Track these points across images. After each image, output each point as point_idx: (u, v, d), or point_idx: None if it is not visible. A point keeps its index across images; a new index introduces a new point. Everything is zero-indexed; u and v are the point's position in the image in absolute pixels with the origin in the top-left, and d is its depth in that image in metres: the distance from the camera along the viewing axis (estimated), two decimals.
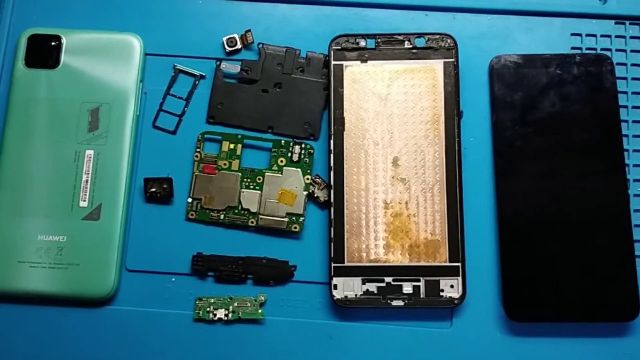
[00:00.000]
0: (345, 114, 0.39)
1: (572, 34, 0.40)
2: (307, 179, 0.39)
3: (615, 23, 0.41)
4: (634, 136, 0.39)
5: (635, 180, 0.39)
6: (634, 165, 0.39)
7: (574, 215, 0.37)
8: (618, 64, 0.40)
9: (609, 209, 0.37)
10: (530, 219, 0.37)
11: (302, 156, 0.39)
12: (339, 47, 0.39)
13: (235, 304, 0.37)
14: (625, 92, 0.40)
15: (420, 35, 0.39)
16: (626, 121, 0.39)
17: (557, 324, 0.37)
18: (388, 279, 0.37)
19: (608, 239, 0.37)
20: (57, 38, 0.40)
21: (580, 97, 0.39)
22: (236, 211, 0.38)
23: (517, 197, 0.38)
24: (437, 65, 0.39)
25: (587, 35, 0.40)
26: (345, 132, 0.39)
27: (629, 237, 0.37)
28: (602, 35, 0.40)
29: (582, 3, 0.41)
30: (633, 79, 0.40)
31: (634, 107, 0.40)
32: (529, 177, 0.38)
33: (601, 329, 0.37)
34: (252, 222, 0.38)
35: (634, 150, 0.39)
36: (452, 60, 0.39)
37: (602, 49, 0.40)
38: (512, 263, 0.37)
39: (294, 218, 0.38)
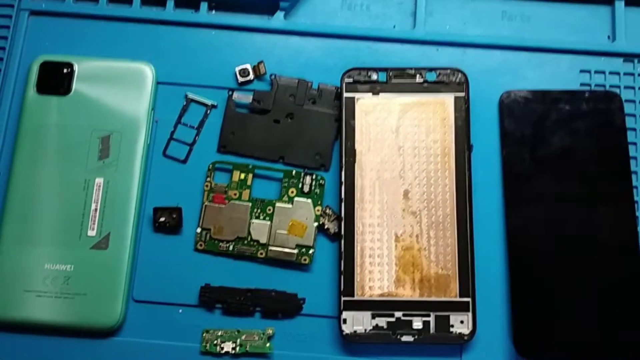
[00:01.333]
0: (356, 146, 0.39)
1: (581, 71, 0.41)
2: (318, 210, 0.39)
3: (624, 61, 0.41)
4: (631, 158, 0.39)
5: None
6: None
7: (585, 250, 0.37)
8: (627, 101, 0.40)
9: (619, 244, 0.37)
10: (540, 253, 0.37)
11: (313, 187, 0.39)
12: (351, 80, 0.40)
13: (243, 337, 0.37)
14: (634, 129, 0.40)
15: (431, 69, 0.40)
16: (635, 158, 0.40)
17: None
18: (398, 314, 0.37)
19: (621, 273, 0.37)
20: (69, 65, 0.40)
21: (589, 134, 0.39)
22: (245, 242, 0.38)
23: (527, 231, 0.38)
24: (447, 99, 0.39)
25: (596, 72, 0.41)
26: (356, 164, 0.39)
27: None
28: (610, 72, 0.41)
29: (590, 40, 0.41)
30: None
31: None
32: (539, 211, 0.38)
33: None
34: (261, 254, 0.38)
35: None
36: (463, 94, 0.39)
37: (610, 86, 0.40)
38: (523, 297, 0.37)
39: (303, 250, 0.38)
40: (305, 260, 0.38)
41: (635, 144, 0.40)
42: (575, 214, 0.38)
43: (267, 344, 0.37)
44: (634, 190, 0.39)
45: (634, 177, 0.39)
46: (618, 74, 0.41)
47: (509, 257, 0.38)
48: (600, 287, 0.37)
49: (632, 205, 0.38)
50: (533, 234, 0.38)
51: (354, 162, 0.39)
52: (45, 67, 0.40)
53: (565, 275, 0.37)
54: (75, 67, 0.40)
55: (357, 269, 0.37)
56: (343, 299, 0.37)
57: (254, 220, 0.38)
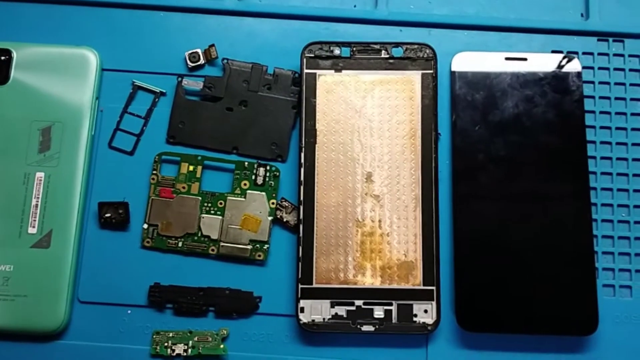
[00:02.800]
0: (317, 126, 0.37)
1: (553, 51, 0.38)
2: (273, 203, 0.36)
3: (598, 40, 0.39)
4: (602, 142, 0.38)
5: (601, 189, 0.37)
6: (601, 174, 0.37)
7: (534, 224, 0.36)
8: (600, 82, 0.38)
9: (570, 220, 0.36)
10: (487, 227, 0.36)
11: (267, 179, 0.37)
12: (312, 55, 0.37)
13: (196, 339, 0.35)
14: (609, 113, 0.38)
15: (397, 44, 0.37)
16: (611, 128, 0.38)
17: (512, 337, 0.35)
18: (358, 302, 0.35)
19: (568, 250, 0.35)
20: (7, 52, 0.37)
21: (543, 98, 0.37)
22: (195, 238, 0.36)
23: (475, 201, 0.36)
24: (414, 77, 0.37)
25: (569, 52, 0.38)
26: (317, 145, 0.36)
27: (589, 249, 0.35)
28: (584, 53, 0.39)
29: (563, 19, 0.39)
30: (616, 98, 0.38)
31: (617, 128, 0.38)
32: (487, 181, 0.36)
33: (560, 343, 0.35)
34: (212, 250, 0.36)
35: (601, 158, 0.38)
36: (431, 71, 0.37)
37: (584, 67, 0.38)
38: (466, 272, 0.35)
39: (258, 245, 0.36)
40: (259, 256, 0.36)
41: (609, 128, 0.38)
42: (525, 185, 0.36)
43: (222, 345, 0.35)
44: (589, 161, 0.37)
45: (590, 147, 0.37)
46: (592, 54, 0.39)
47: (454, 230, 0.36)
48: (547, 264, 0.35)
49: (586, 177, 0.36)
50: (480, 205, 0.36)
51: (315, 143, 0.36)
52: None
53: (511, 249, 0.35)
54: (14, 54, 0.37)
55: (316, 255, 0.35)
56: (301, 286, 0.35)
57: (205, 215, 0.36)
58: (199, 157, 0.37)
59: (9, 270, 0.35)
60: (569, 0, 0.39)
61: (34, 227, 0.35)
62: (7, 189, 0.36)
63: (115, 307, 0.36)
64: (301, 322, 0.35)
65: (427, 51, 0.37)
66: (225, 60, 0.38)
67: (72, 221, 0.36)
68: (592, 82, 0.38)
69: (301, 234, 0.36)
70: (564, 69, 0.37)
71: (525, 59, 0.38)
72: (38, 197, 0.36)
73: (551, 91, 0.37)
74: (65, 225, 0.35)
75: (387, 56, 0.37)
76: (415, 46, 0.37)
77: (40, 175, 0.36)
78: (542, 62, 0.38)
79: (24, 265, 0.35)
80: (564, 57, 0.37)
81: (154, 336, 0.35)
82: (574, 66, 0.37)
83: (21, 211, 0.35)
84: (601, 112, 0.38)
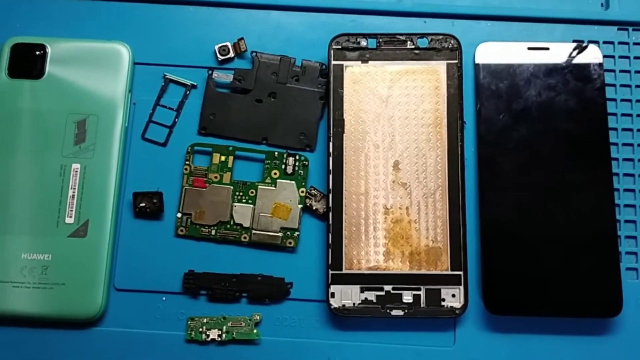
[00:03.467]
0: (345, 116, 0.37)
1: (574, 41, 0.39)
2: (302, 191, 0.37)
3: (618, 29, 0.40)
4: (623, 129, 0.38)
5: (623, 174, 0.38)
6: (623, 160, 0.38)
7: (558, 209, 0.36)
8: (621, 71, 0.39)
9: (593, 205, 0.36)
10: (512, 213, 0.36)
11: (297, 168, 0.38)
12: (339, 47, 0.38)
13: (229, 324, 0.36)
14: (630, 100, 0.39)
15: (423, 35, 0.38)
16: (630, 115, 0.39)
17: (538, 320, 0.36)
18: (387, 288, 0.36)
19: (592, 234, 0.36)
20: (42, 47, 0.38)
21: (566, 87, 0.38)
22: (228, 226, 0.37)
23: (499, 187, 0.37)
24: (440, 67, 0.38)
25: (590, 41, 0.39)
26: (344, 135, 0.37)
27: (613, 234, 0.36)
28: (604, 42, 0.39)
29: (584, 9, 0.40)
30: (637, 86, 0.39)
31: (638, 115, 0.39)
32: (511, 167, 0.37)
33: (584, 326, 0.36)
34: (244, 238, 0.37)
35: (623, 144, 0.38)
36: (456, 61, 0.38)
37: (604, 56, 0.39)
38: (493, 256, 0.36)
39: (288, 233, 0.37)
40: (290, 243, 0.37)
41: (630, 115, 0.39)
42: (549, 172, 0.37)
43: (255, 330, 0.36)
44: (611, 147, 0.37)
45: (612, 133, 0.38)
46: (612, 43, 0.39)
47: (480, 215, 0.37)
48: (571, 248, 0.36)
49: (609, 163, 0.37)
50: (506, 191, 0.37)
51: (342, 132, 0.37)
52: (17, 49, 0.38)
53: (537, 234, 0.36)
54: (48, 49, 0.38)
55: (346, 242, 0.36)
56: (331, 272, 0.36)
57: (236, 204, 0.37)
58: (230, 148, 0.38)
59: (48, 260, 0.36)
60: None
61: (70, 217, 0.36)
62: (44, 180, 0.37)
63: (150, 294, 0.36)
64: (332, 307, 0.36)
65: (452, 42, 0.38)
66: (254, 53, 0.39)
67: (108, 211, 0.36)
68: (613, 71, 0.39)
69: (330, 222, 0.36)
70: (586, 59, 0.38)
71: (547, 49, 0.38)
72: (74, 188, 0.37)
73: (573, 80, 0.38)
74: (101, 215, 0.36)
75: (413, 47, 0.38)
76: (440, 37, 0.38)
77: (76, 166, 0.37)
78: (564, 52, 0.38)
79: (61, 255, 0.36)
80: (576, 47, 0.38)
81: (189, 322, 0.36)
82: (595, 55, 0.38)
83: (58, 202, 0.36)
84: (622, 100, 0.39)
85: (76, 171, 0.37)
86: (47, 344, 0.36)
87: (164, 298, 0.36)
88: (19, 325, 0.36)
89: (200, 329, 0.36)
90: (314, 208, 0.37)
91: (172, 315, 0.36)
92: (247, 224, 0.37)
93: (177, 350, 0.36)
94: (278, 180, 0.37)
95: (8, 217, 0.36)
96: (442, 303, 0.36)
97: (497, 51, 0.38)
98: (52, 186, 0.37)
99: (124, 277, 0.37)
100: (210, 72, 0.39)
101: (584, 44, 0.39)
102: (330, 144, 0.37)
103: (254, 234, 0.37)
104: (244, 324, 0.36)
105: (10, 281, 0.35)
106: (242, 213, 0.37)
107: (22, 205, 0.36)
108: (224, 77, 0.39)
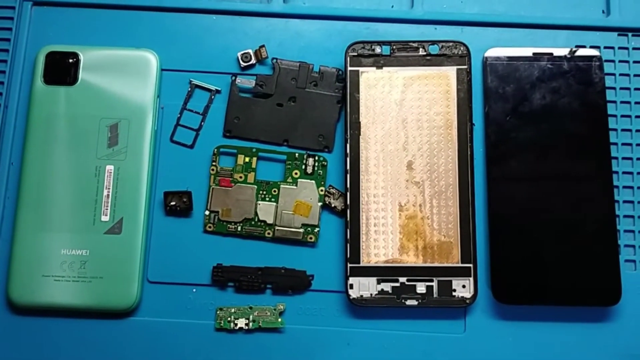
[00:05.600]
0: (361, 118, 0.40)
1: (577, 46, 0.41)
2: (321, 190, 0.40)
3: (618, 35, 0.42)
4: (622, 130, 0.41)
5: (622, 172, 0.40)
6: (622, 159, 0.40)
7: (561, 205, 0.39)
8: (621, 74, 0.41)
9: (594, 201, 0.39)
10: (518, 208, 0.39)
11: (316, 168, 0.40)
12: (355, 54, 0.40)
13: (255, 313, 0.39)
14: (629, 102, 0.41)
15: (434, 42, 0.40)
16: (629, 116, 0.41)
17: (543, 308, 0.39)
18: (402, 279, 0.39)
19: (593, 228, 0.39)
20: (75, 55, 0.40)
21: (570, 91, 0.40)
22: (253, 223, 0.40)
23: (506, 184, 0.39)
24: (450, 72, 0.40)
25: (591, 47, 0.41)
26: (361, 137, 0.40)
27: (613, 228, 0.39)
28: (605, 47, 0.42)
29: (586, 16, 0.42)
30: (636, 89, 0.41)
31: (637, 116, 0.41)
32: (518, 165, 0.39)
33: (586, 313, 0.39)
34: (268, 234, 0.39)
35: (622, 144, 0.41)
36: (465, 67, 0.40)
37: (605, 60, 0.41)
38: (500, 250, 0.39)
39: (309, 229, 0.39)
40: (311, 238, 0.39)
41: (629, 116, 0.41)
42: (553, 168, 0.39)
43: (279, 319, 0.39)
44: (611, 147, 0.40)
45: (612, 134, 0.40)
46: (612, 48, 0.42)
47: (488, 209, 0.39)
48: (572, 239, 0.38)
49: (609, 160, 0.39)
50: (511, 187, 0.39)
51: (359, 134, 0.40)
52: (51, 57, 0.40)
53: (540, 227, 0.39)
54: (81, 57, 0.40)
55: (363, 237, 0.39)
56: (349, 265, 0.38)
57: (260, 202, 0.40)
58: (254, 149, 0.40)
59: (86, 255, 0.38)
60: None
61: (106, 215, 0.39)
62: (81, 181, 0.39)
63: (181, 286, 0.39)
64: (350, 297, 0.38)
65: (462, 48, 0.40)
66: (275, 60, 0.41)
67: (141, 209, 0.39)
68: (613, 74, 0.41)
69: (348, 218, 0.39)
70: (588, 63, 0.40)
71: (551, 54, 0.41)
72: (109, 188, 0.39)
73: (575, 83, 0.40)
74: (135, 213, 0.39)
75: (425, 53, 0.40)
76: (451, 44, 0.40)
77: (110, 168, 0.39)
78: (567, 57, 0.41)
79: (98, 250, 0.38)
80: (578, 52, 0.40)
81: (218, 312, 0.39)
82: (596, 60, 0.40)
83: (94, 201, 0.39)
84: (622, 102, 0.41)
85: (110, 172, 0.39)
86: (86, 333, 0.38)
87: (194, 290, 0.39)
88: (60, 316, 0.38)
89: (229, 318, 0.39)
90: (333, 205, 0.40)
91: (202, 305, 0.39)
92: (270, 221, 0.39)
93: (207, 338, 0.38)
94: (299, 180, 0.40)
95: (48, 215, 0.39)
96: (453, 293, 0.38)
97: (503, 56, 0.41)
98: (88, 186, 0.39)
99: (156, 270, 0.39)
100: (233, 77, 0.41)
101: (586, 49, 0.41)
102: (348, 145, 0.39)
103: (277, 230, 0.39)
104: (269, 313, 0.39)
105: (51, 275, 0.38)
106: (265, 210, 0.40)
107: (61, 205, 0.39)
108: (247, 82, 0.41)
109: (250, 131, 0.41)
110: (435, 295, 0.38)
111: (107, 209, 0.39)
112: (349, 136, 0.40)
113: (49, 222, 0.39)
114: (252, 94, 0.41)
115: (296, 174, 0.40)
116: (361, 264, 0.39)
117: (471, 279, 0.39)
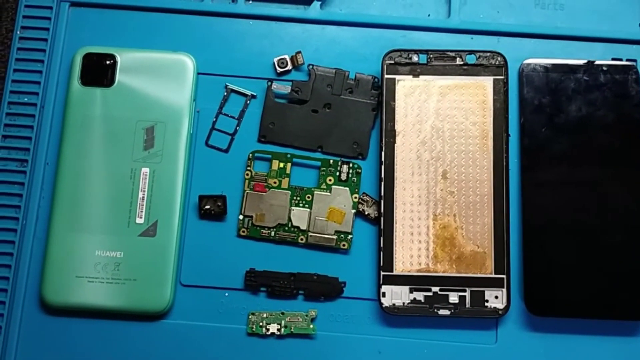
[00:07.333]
0: (396, 127, 0.40)
1: (613, 59, 0.41)
2: (355, 197, 0.40)
3: None
4: None
5: None
6: None
7: (596, 216, 0.39)
8: None
9: (629, 213, 0.39)
10: (553, 220, 0.39)
11: (350, 175, 0.40)
12: (392, 62, 0.40)
13: (287, 319, 0.39)
14: None
15: (471, 52, 0.40)
16: None
17: (576, 321, 0.38)
18: (435, 289, 0.39)
19: (629, 240, 0.39)
20: (112, 57, 0.41)
21: (606, 103, 0.40)
22: (286, 228, 0.40)
23: (541, 196, 0.39)
24: (487, 82, 0.40)
25: (628, 60, 0.41)
26: (396, 145, 0.40)
27: None
28: None
29: (622, 29, 0.42)
30: None
31: None
32: (553, 177, 0.39)
33: (621, 327, 0.39)
34: (301, 240, 0.40)
35: None
36: (502, 77, 0.40)
37: None
38: (534, 261, 0.39)
39: (342, 236, 0.40)
40: (344, 245, 0.39)
41: None
42: (587, 181, 0.39)
43: (311, 325, 0.39)
44: None
45: None
46: None
47: (523, 220, 0.39)
48: (605, 253, 0.38)
49: None
50: (545, 198, 0.39)
51: (394, 142, 0.40)
52: (88, 58, 0.41)
53: (574, 240, 0.39)
54: (118, 59, 0.41)
55: (396, 245, 0.39)
56: (382, 273, 0.39)
57: (294, 208, 0.40)
58: (288, 155, 0.40)
59: (120, 257, 0.39)
60: (627, 11, 0.42)
61: (141, 217, 0.39)
62: (116, 183, 0.39)
63: (214, 290, 0.39)
64: (383, 305, 0.38)
65: (499, 59, 0.40)
66: (311, 66, 0.41)
67: (175, 212, 0.39)
68: None
69: (382, 226, 0.39)
70: (624, 76, 0.40)
71: (587, 66, 0.41)
72: (144, 191, 0.39)
73: (611, 96, 0.40)
74: (169, 216, 0.39)
75: (462, 63, 0.40)
76: (488, 54, 0.40)
77: (145, 170, 0.39)
78: (603, 69, 0.41)
79: (132, 252, 0.39)
80: (614, 65, 0.40)
81: (250, 316, 0.39)
82: (633, 73, 0.40)
83: (129, 203, 0.39)
84: None
85: (145, 175, 0.39)
86: (119, 335, 0.39)
87: (226, 294, 0.39)
88: (94, 317, 0.39)
89: (261, 323, 0.39)
90: (366, 213, 0.40)
91: (234, 309, 0.39)
92: (304, 227, 0.40)
93: (239, 342, 0.39)
94: (333, 186, 0.40)
95: (83, 216, 0.39)
96: (486, 304, 0.38)
97: (540, 67, 0.41)
98: (123, 188, 0.39)
99: (190, 274, 0.39)
100: (269, 83, 0.41)
101: (623, 62, 0.41)
102: (382, 153, 0.40)
103: (310, 236, 0.40)
104: (300, 319, 0.39)
105: (85, 276, 0.38)
106: (299, 216, 0.40)
107: (96, 206, 0.39)
108: (283, 88, 0.41)
109: (285, 137, 0.41)
110: (467, 305, 0.38)
111: (141, 212, 0.39)
112: (383, 144, 0.40)
113: (84, 223, 0.39)
114: (287, 99, 0.41)
115: (330, 180, 0.40)
116: (394, 272, 0.39)
117: (504, 290, 0.39)
